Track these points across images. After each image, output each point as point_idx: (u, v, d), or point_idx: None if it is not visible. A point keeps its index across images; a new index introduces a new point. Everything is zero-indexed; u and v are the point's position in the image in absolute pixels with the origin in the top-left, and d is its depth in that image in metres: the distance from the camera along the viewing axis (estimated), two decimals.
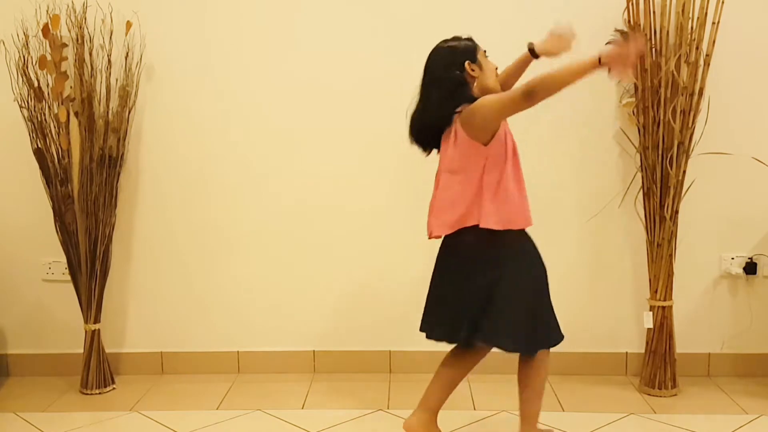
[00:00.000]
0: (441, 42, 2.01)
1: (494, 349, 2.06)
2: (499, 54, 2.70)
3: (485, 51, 2.02)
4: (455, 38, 2.01)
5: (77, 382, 2.76)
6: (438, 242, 2.09)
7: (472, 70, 1.95)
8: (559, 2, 2.68)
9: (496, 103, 1.86)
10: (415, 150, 2.10)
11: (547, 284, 2.06)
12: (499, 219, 1.92)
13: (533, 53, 2.16)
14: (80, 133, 2.60)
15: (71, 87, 2.62)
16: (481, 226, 1.92)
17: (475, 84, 1.96)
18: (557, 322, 2.09)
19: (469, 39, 2.01)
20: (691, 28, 2.50)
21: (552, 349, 2.82)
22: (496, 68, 2.04)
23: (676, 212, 2.59)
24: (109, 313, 2.85)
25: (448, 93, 1.95)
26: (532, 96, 1.80)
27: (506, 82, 2.18)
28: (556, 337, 2.08)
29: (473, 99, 1.92)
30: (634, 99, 2.62)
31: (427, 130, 2.03)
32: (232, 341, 2.91)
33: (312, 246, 2.84)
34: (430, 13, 2.69)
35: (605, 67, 1.78)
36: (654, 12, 2.51)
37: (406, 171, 2.69)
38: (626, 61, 1.76)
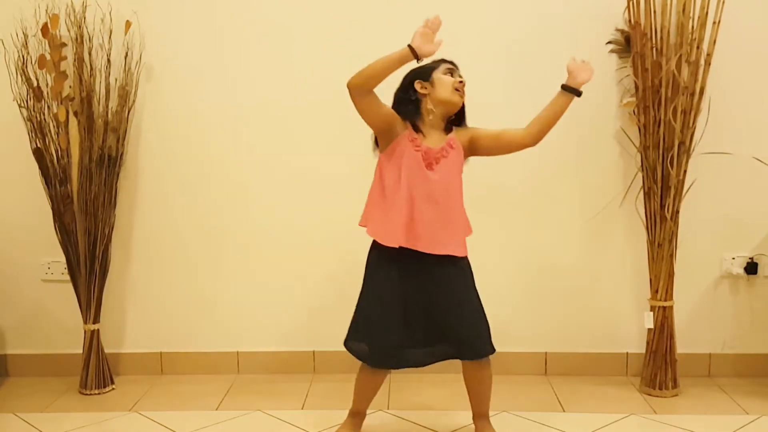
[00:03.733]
0: None
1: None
2: (498, 54, 2.72)
3: (451, 67, 2.11)
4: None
5: (76, 382, 2.76)
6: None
7: (423, 88, 2.08)
8: (560, 2, 2.68)
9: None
10: None
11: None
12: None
13: (573, 91, 2.12)
14: (79, 132, 2.60)
15: (70, 86, 2.62)
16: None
17: (428, 98, 2.08)
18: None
19: (434, 61, 2.10)
20: (692, 27, 2.49)
21: (552, 349, 2.86)
22: (460, 82, 2.10)
23: (677, 212, 2.58)
24: (109, 313, 2.84)
25: (396, 109, 2.11)
26: (349, 86, 1.96)
27: (541, 125, 2.17)
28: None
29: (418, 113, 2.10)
30: (634, 99, 2.61)
31: None
32: (232, 341, 2.91)
33: (313, 246, 2.83)
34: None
35: (417, 50, 1.92)
36: (655, 11, 2.51)
37: None
38: (427, 36, 1.93)
